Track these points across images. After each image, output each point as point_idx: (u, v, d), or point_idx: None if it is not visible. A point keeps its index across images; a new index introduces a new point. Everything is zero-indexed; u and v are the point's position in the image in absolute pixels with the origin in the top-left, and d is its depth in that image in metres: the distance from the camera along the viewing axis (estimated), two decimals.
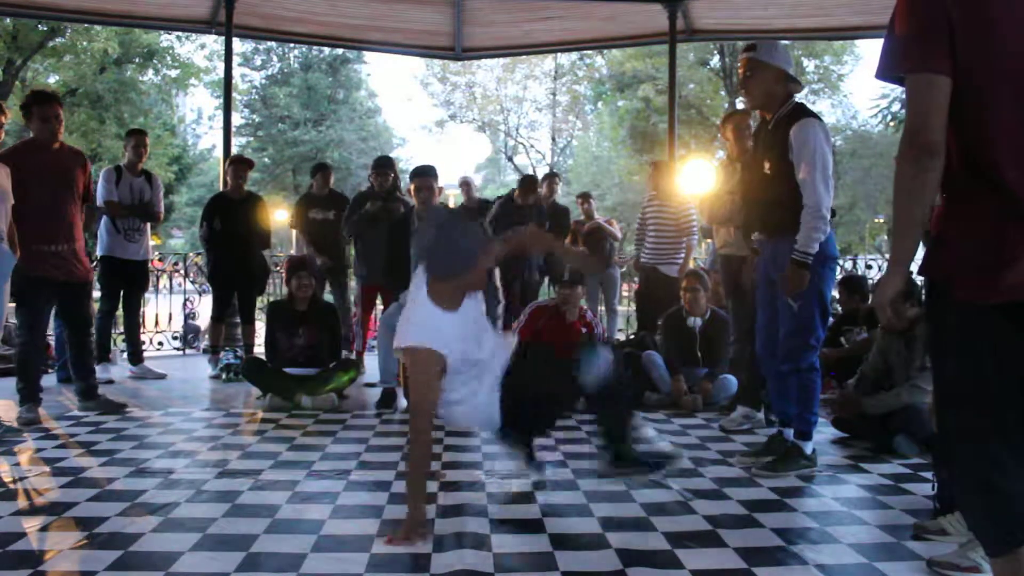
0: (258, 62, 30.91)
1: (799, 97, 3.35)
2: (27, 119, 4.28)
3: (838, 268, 8.35)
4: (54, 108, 4.24)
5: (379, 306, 6.10)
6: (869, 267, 8.10)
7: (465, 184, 7.54)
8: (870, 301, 4.86)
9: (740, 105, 15.52)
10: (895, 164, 1.59)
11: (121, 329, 6.43)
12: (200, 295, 9.65)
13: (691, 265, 6.01)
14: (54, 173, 4.26)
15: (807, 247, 3.11)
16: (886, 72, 1.61)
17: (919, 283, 4.18)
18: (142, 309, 6.15)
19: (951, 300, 1.54)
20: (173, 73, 21.37)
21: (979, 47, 1.51)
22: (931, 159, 1.51)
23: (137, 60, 20.47)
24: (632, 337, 6.32)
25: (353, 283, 6.28)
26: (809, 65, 23.80)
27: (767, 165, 3.27)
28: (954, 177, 1.55)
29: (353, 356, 5.71)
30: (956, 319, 1.55)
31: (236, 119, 27.69)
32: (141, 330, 6.13)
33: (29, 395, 4.18)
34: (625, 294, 10.94)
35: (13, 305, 4.59)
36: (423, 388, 2.41)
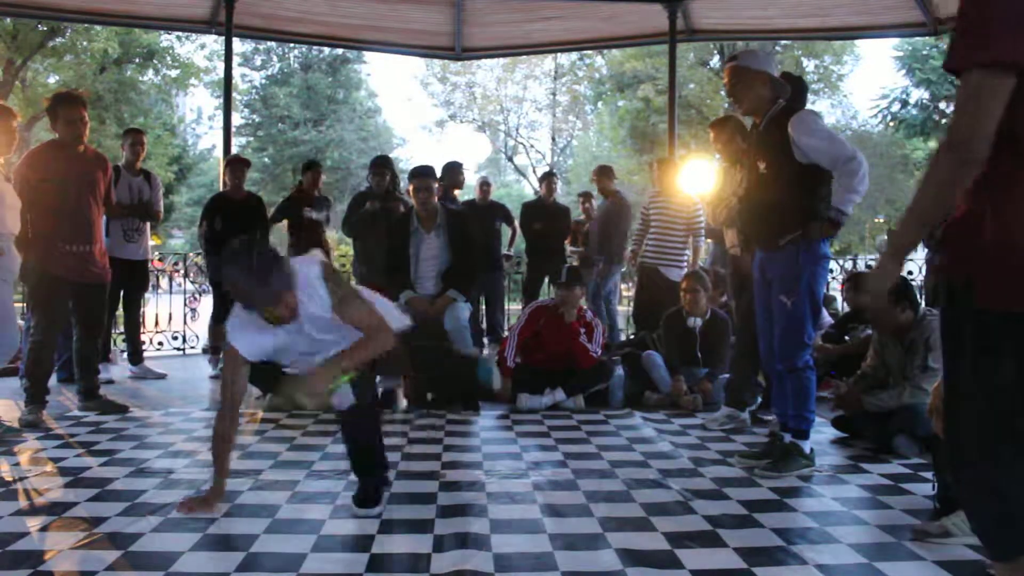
0: (258, 62, 30.96)
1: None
2: (52, 121, 4.30)
3: (839, 268, 8.47)
4: (79, 111, 4.25)
5: None
6: (869, 267, 8.10)
7: (484, 184, 7.49)
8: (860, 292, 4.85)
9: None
10: (933, 155, 1.52)
11: (121, 329, 6.42)
12: (200, 295, 9.65)
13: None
14: (78, 175, 4.27)
15: (843, 204, 3.10)
16: (963, 62, 1.47)
17: (914, 286, 4.20)
18: (142, 309, 6.14)
19: (972, 304, 1.50)
20: (173, 73, 21.39)
21: None
22: (975, 167, 1.46)
23: (137, 60, 20.49)
24: (632, 337, 6.31)
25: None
26: (809, 65, 23.81)
27: (762, 165, 3.26)
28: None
29: None
30: (977, 323, 1.50)
31: (236, 119, 27.78)
32: (141, 330, 6.13)
33: (36, 396, 4.15)
34: (626, 294, 10.92)
35: (20, 305, 4.57)
36: (225, 381, 2.60)
